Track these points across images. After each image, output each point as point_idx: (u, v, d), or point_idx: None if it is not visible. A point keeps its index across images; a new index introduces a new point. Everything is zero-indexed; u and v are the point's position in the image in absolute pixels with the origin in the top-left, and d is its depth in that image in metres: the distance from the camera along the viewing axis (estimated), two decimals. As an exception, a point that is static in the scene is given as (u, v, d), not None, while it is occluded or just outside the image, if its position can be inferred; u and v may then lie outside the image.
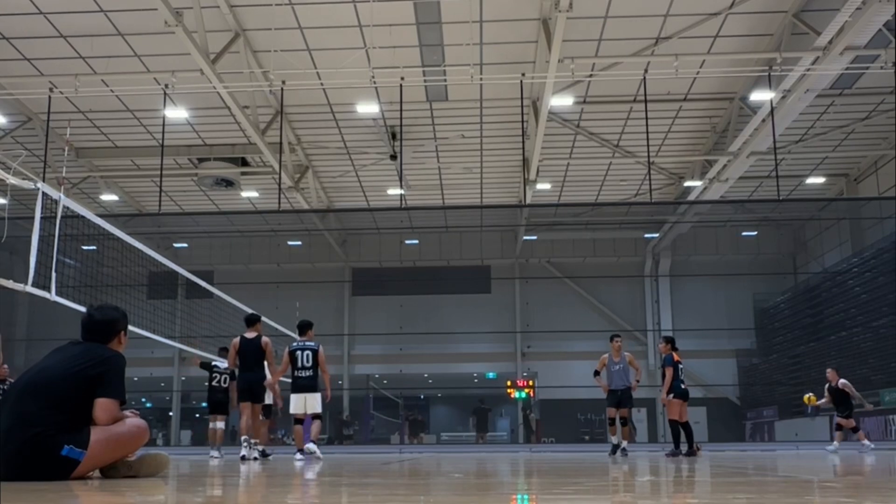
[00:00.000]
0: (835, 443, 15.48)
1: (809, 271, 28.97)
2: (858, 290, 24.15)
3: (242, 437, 10.14)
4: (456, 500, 3.40)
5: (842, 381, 15.42)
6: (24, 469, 4.11)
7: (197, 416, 33.02)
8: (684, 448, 11.70)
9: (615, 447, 12.38)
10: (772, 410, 28.27)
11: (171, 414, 32.57)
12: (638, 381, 12.73)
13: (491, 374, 32.39)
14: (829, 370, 15.79)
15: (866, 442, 15.19)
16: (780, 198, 20.31)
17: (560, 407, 30.00)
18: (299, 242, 31.06)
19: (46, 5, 15.07)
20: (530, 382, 30.07)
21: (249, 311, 15.84)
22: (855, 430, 15.46)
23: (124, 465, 4.56)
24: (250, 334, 10.48)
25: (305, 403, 10.51)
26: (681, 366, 11.85)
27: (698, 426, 30.55)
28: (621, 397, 12.52)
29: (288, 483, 5.11)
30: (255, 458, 9.96)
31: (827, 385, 15.67)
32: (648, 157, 17.84)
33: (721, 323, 29.60)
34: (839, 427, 15.64)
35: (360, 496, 3.79)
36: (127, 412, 4.67)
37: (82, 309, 8.10)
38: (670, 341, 11.89)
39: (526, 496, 3.72)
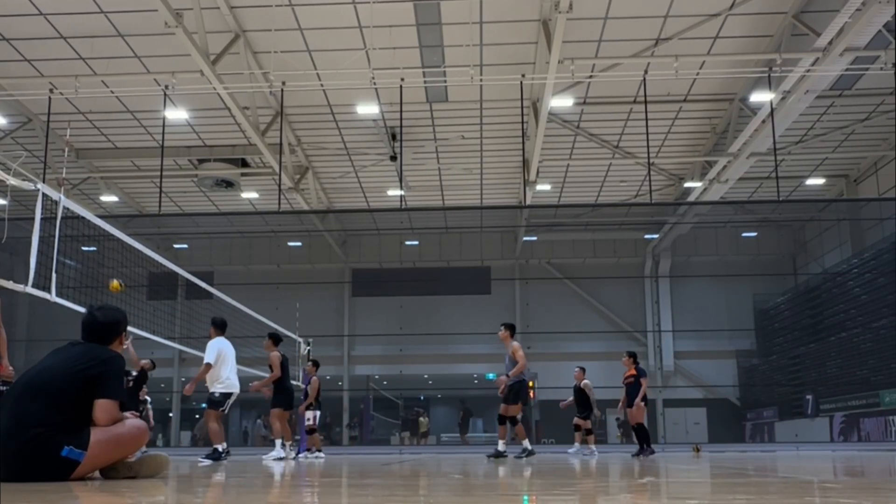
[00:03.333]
0: (576, 444, 14.91)
1: (809, 272, 28.98)
2: (858, 291, 24.16)
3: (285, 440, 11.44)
4: (456, 501, 3.40)
5: (585, 381, 15.03)
6: (24, 469, 4.11)
7: (197, 416, 33.00)
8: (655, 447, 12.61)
9: (504, 452, 11.13)
10: (772, 411, 28.29)
11: (171, 415, 32.56)
12: (508, 377, 11.23)
13: (491, 375, 32.30)
14: (576, 369, 15.42)
15: (593, 447, 14.80)
16: (780, 199, 20.32)
17: (560, 407, 29.99)
18: (299, 243, 31.07)
19: (46, 6, 15.07)
20: (530, 383, 30.01)
21: (249, 312, 15.90)
22: (589, 432, 15.05)
23: (124, 466, 4.56)
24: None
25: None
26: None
27: (698, 427, 30.65)
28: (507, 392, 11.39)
29: (288, 483, 5.11)
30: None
31: (575, 385, 15.33)
32: (648, 157, 17.84)
33: (721, 324, 29.60)
34: (577, 427, 15.21)
35: (360, 496, 3.79)
36: (127, 413, 4.67)
37: (82, 310, 8.10)
38: (633, 356, 13.64)
39: (526, 497, 3.72)
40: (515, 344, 11.36)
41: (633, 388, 13.35)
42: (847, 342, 24.42)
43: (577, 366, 15.74)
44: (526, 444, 11.46)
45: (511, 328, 11.55)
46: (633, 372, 13.48)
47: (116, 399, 4.44)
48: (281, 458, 10.85)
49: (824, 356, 25.73)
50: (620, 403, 13.79)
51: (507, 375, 11.35)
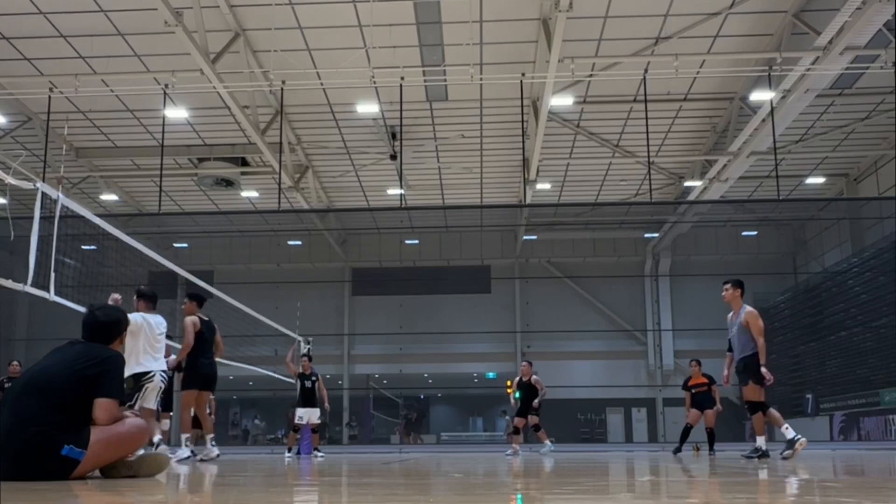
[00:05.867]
0: (547, 443, 14.37)
1: (809, 271, 28.98)
2: (858, 290, 24.15)
3: (210, 436, 9.60)
4: (456, 500, 3.40)
5: (534, 377, 14.37)
6: (24, 469, 4.11)
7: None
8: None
9: None
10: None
11: (170, 414, 32.52)
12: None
13: (491, 374, 32.41)
14: (523, 363, 14.81)
15: (548, 442, 14.40)
16: (780, 198, 20.31)
17: (560, 407, 30.03)
18: (299, 242, 31.07)
19: (46, 5, 15.06)
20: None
21: (249, 311, 15.87)
22: (537, 428, 14.45)
23: (124, 465, 4.56)
24: (203, 316, 9.56)
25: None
26: None
27: (698, 426, 30.63)
28: None
29: (288, 483, 5.11)
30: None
31: (518, 379, 14.69)
32: (648, 157, 17.83)
33: (721, 323, 29.12)
34: (537, 427, 14.55)
35: (360, 496, 3.79)
36: (127, 412, 4.67)
37: (82, 309, 8.06)
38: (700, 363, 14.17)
39: (526, 496, 3.72)
40: (751, 309, 8.81)
41: (706, 395, 13.73)
42: (847, 341, 24.42)
43: (525, 360, 15.22)
44: (760, 441, 9.24)
45: (741, 285, 9.04)
46: (705, 380, 13.80)
47: (116, 398, 4.44)
48: (186, 458, 8.90)
49: (824, 355, 25.74)
50: (689, 409, 13.92)
51: (729, 353, 9.17)
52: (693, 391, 13.84)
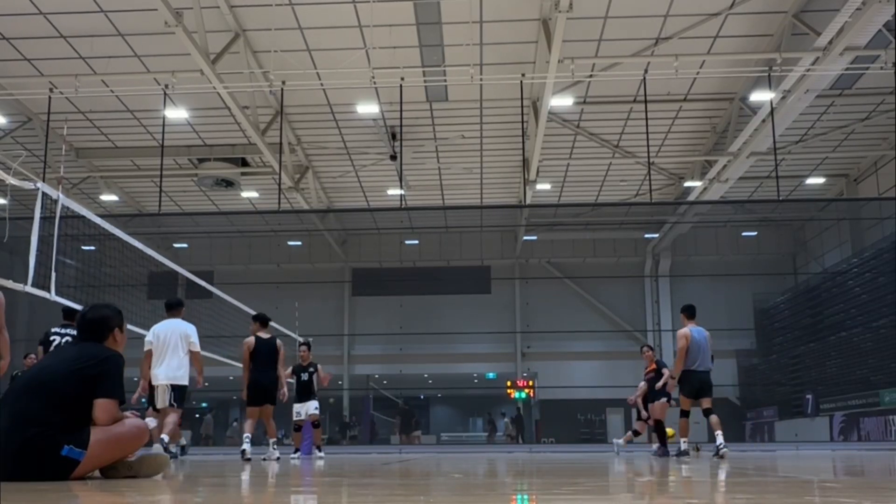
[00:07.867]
0: (620, 440, 14.24)
1: (809, 271, 28.97)
2: (858, 291, 24.15)
3: (272, 440, 10.63)
4: (456, 500, 3.40)
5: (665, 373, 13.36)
6: (24, 469, 4.11)
7: (196, 416, 33.01)
8: (672, 448, 12.19)
9: None
10: (772, 411, 28.29)
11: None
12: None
13: (491, 375, 32.40)
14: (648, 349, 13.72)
15: (619, 442, 14.33)
16: (780, 198, 20.31)
17: (560, 407, 30.03)
18: (299, 242, 31.07)
19: (46, 6, 15.07)
20: (530, 383, 30.07)
21: (249, 310, 15.84)
22: (637, 432, 14.09)
23: (124, 466, 4.56)
24: (265, 334, 10.60)
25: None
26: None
27: (698, 426, 30.52)
28: None
29: (288, 483, 5.11)
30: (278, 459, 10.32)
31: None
32: (648, 157, 17.84)
33: (721, 323, 29.52)
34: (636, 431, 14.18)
35: (360, 496, 3.79)
36: (127, 413, 4.67)
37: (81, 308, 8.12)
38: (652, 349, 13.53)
39: (526, 496, 3.72)
40: (680, 331, 10.16)
41: (654, 382, 12.44)
42: (847, 342, 24.41)
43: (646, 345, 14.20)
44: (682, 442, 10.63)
45: (684, 310, 10.38)
46: (654, 367, 12.62)
47: (116, 398, 4.43)
48: (276, 459, 10.23)
49: (824, 356, 25.73)
50: (638, 396, 13.05)
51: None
52: (646, 378, 12.77)
